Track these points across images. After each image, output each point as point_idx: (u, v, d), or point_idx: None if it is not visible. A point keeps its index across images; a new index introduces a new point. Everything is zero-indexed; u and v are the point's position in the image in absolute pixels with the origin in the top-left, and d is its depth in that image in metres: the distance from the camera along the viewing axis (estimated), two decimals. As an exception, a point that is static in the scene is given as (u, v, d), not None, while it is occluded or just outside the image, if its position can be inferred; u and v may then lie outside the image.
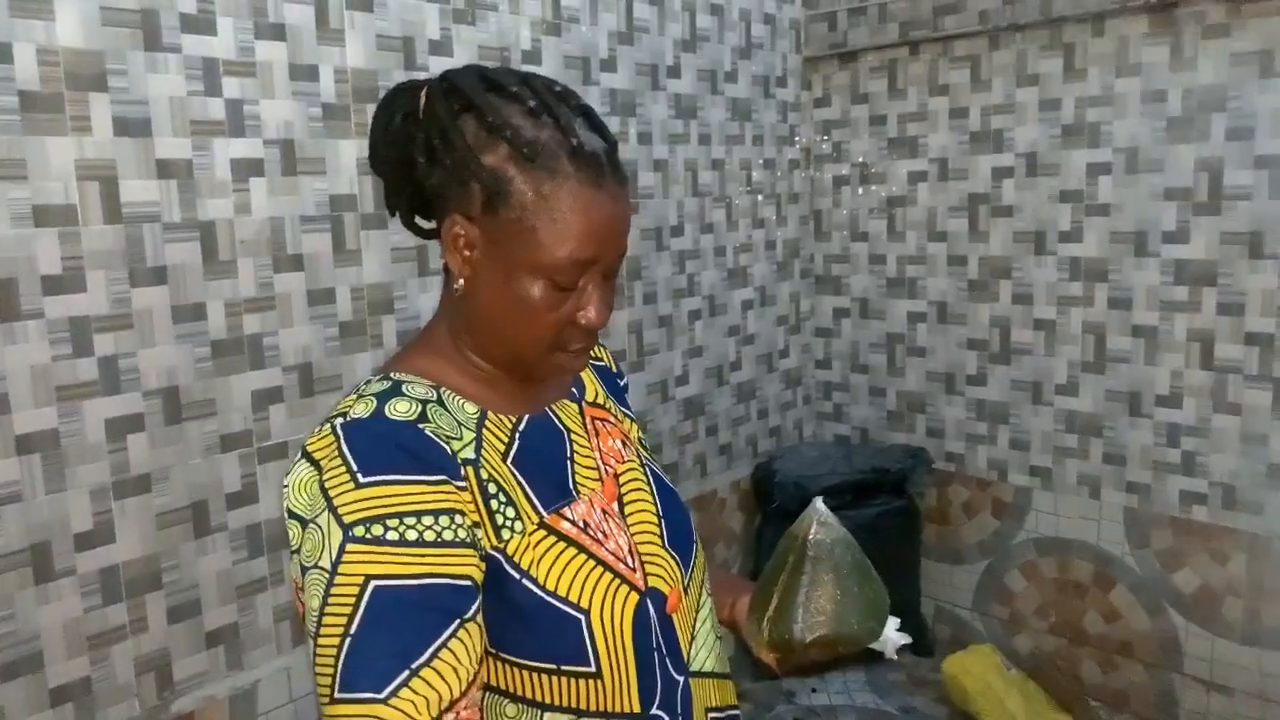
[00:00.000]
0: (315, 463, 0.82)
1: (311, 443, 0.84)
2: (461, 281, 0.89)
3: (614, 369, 1.17)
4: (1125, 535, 2.48)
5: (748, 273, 2.76)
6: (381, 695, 0.74)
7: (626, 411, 1.13)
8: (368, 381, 0.91)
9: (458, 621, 0.78)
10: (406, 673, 0.75)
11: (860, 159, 2.86)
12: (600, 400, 1.07)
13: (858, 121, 2.85)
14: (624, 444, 1.04)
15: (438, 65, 1.89)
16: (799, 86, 2.87)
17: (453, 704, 0.76)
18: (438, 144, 0.87)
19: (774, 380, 2.89)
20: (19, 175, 1.38)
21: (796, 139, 2.88)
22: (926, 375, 2.81)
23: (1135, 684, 2.51)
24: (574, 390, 1.05)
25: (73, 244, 1.44)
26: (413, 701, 0.74)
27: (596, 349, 1.14)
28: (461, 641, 0.78)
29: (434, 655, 0.76)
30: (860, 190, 2.88)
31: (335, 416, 0.85)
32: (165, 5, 1.52)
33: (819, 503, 0.95)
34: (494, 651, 0.86)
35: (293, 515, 0.83)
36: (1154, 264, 2.34)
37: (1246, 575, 2.29)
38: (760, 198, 2.77)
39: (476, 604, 0.81)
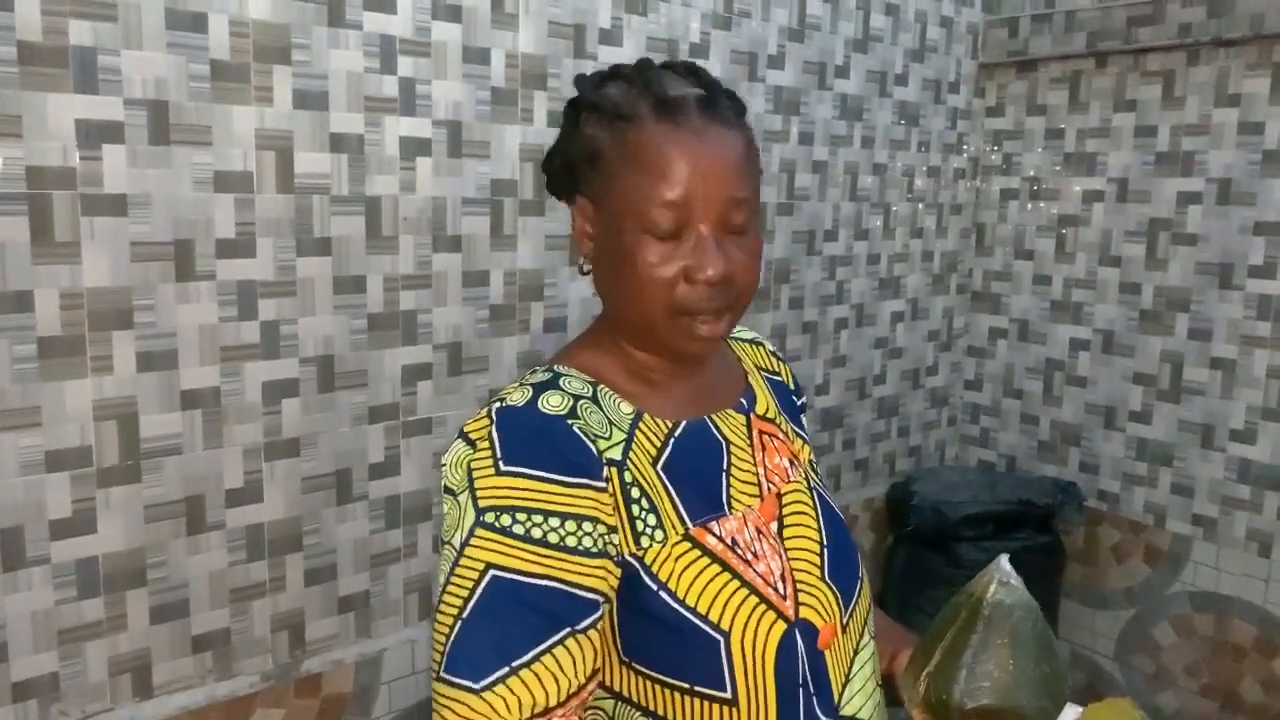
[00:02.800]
0: (471, 443, 0.83)
1: (470, 424, 0.85)
2: (584, 261, 0.92)
3: (792, 387, 1.11)
4: (1297, 600, 2.28)
5: (900, 283, 2.66)
6: (477, 686, 0.74)
7: (800, 432, 1.07)
8: (533, 371, 0.91)
9: (567, 630, 0.77)
10: (506, 669, 0.74)
11: (1032, 173, 2.72)
12: (771, 415, 1.02)
13: (1032, 134, 2.70)
14: (792, 463, 0.99)
15: (607, 54, 1.88)
16: (971, 93, 2.74)
17: (548, 711, 0.75)
18: (561, 141, 0.92)
19: (919, 398, 2.78)
20: (204, 141, 1.43)
21: (965, 148, 2.76)
22: (1085, 407, 2.65)
23: (1294, 761, 2.31)
24: (743, 401, 1.00)
25: (247, 210, 1.49)
26: (505, 700, 0.74)
27: (777, 365, 1.11)
28: (569, 651, 0.77)
29: (536, 658, 0.75)
30: (1029, 206, 2.74)
31: (495, 401, 0.86)
32: (351, -17, 1.55)
33: (1004, 560, 0.87)
34: (627, 660, 0.83)
35: (447, 490, 0.84)
36: (1359, 308, 2.13)
37: None
38: (921, 206, 2.67)
39: (594, 618, 0.79)
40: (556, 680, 0.75)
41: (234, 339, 1.51)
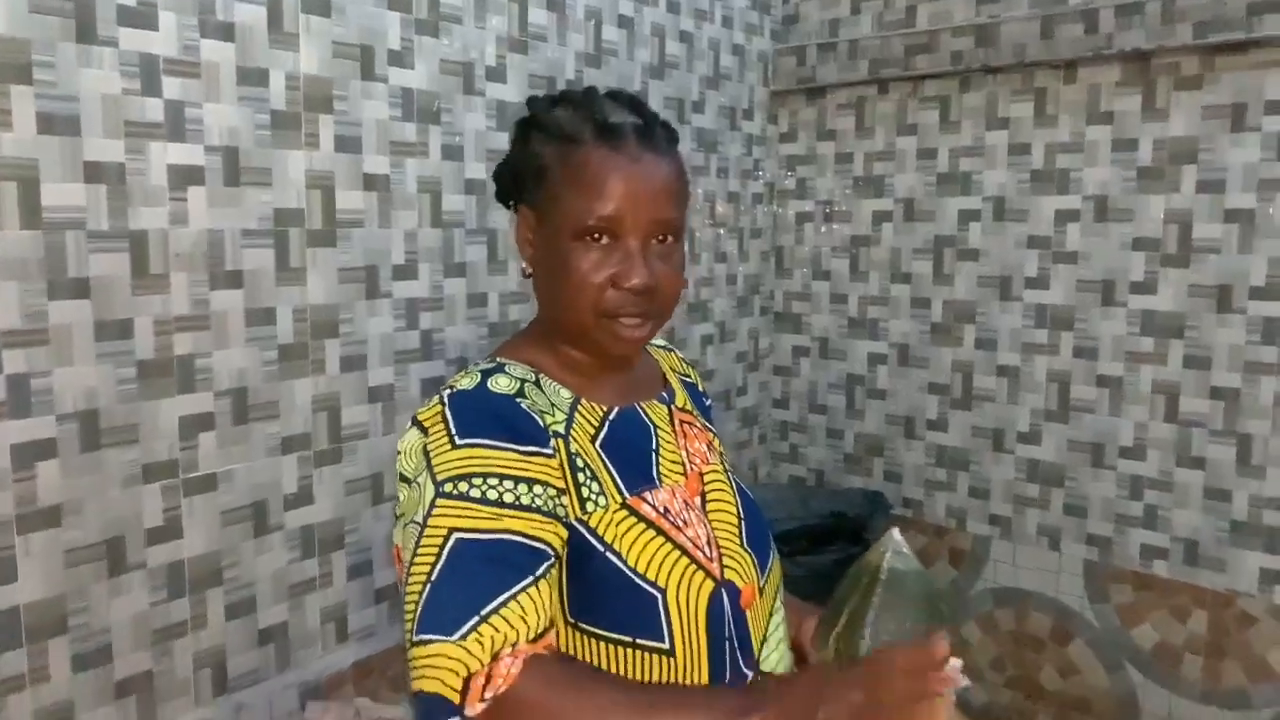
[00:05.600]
0: (423, 429, 0.91)
1: (422, 412, 0.93)
2: (525, 265, 1.02)
3: (701, 389, 1.23)
4: (1085, 588, 2.43)
5: (708, 307, 2.68)
6: (452, 638, 0.79)
7: (710, 427, 1.17)
8: (475, 364, 1.00)
9: (530, 578, 0.83)
10: (476, 619, 0.80)
11: (825, 196, 2.81)
12: (688, 408, 1.14)
13: (824, 158, 2.80)
14: (709, 448, 1.10)
15: (397, 77, 1.79)
16: (765, 120, 2.81)
17: (516, 646, 0.81)
18: (511, 155, 1.03)
19: (730, 419, 2.80)
20: (-74, 171, 1.25)
21: (761, 173, 2.82)
22: (886, 418, 2.75)
23: (1091, 741, 2.46)
24: (664, 394, 1.11)
25: (-16, 249, 1.31)
26: (480, 643, 0.79)
27: (687, 369, 1.23)
28: (531, 597, 0.83)
29: (503, 604, 0.81)
30: (824, 228, 2.83)
31: (445, 389, 0.94)
32: (102, -5, 1.39)
33: (896, 533, 0.98)
34: (574, 622, 0.91)
35: (402, 478, 0.92)
36: (1121, 314, 2.31)
37: (1207, 633, 2.26)
38: (723, 231, 2.70)
39: (548, 565, 0.86)
40: (524, 619, 0.81)
41: (-28, 397, 1.31)
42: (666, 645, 0.91)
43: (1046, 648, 2.51)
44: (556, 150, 0.97)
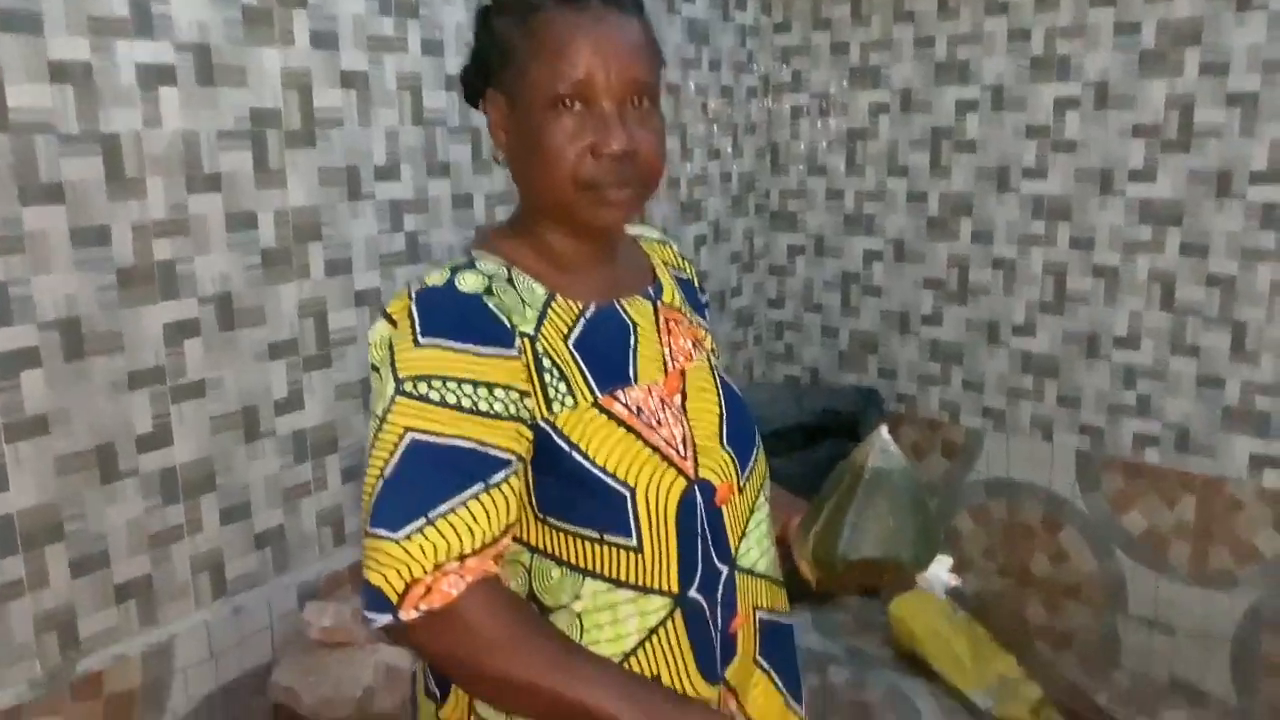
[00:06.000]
0: (391, 321, 0.90)
1: (391, 304, 0.91)
2: (498, 152, 0.98)
3: (697, 284, 1.18)
4: (1076, 478, 2.45)
5: (702, 206, 2.64)
6: (397, 536, 0.80)
7: (703, 323, 1.14)
8: (453, 260, 0.97)
9: (481, 485, 0.83)
10: (422, 520, 0.80)
11: (820, 89, 2.74)
12: (676, 304, 1.09)
13: (819, 49, 2.72)
14: (695, 345, 1.06)
15: (370, -33, 1.72)
16: (759, 10, 2.72)
17: (463, 557, 0.81)
18: (474, 46, 0.98)
19: (725, 319, 2.79)
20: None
21: (755, 66, 2.75)
22: (881, 315, 2.73)
23: (1080, 625, 2.51)
24: (650, 290, 1.06)
25: (-50, 155, 1.27)
26: (421, 547, 0.80)
27: (683, 263, 1.18)
28: (483, 505, 0.83)
29: (451, 510, 0.81)
30: (819, 122, 2.77)
31: (414, 283, 0.92)
32: (54, -118, 1.33)
33: (884, 431, 0.96)
34: (542, 516, 0.91)
35: (373, 367, 0.91)
36: (1119, 203, 2.27)
37: (1195, 518, 2.29)
38: (716, 127, 2.64)
39: (505, 474, 0.85)
40: (471, 530, 0.81)
41: (-50, 306, 1.30)
42: (634, 543, 0.91)
43: (1037, 536, 2.55)
44: (517, 23, 0.92)
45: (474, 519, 0.82)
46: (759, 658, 1.02)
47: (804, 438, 2.54)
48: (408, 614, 0.80)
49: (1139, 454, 2.35)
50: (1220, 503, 2.24)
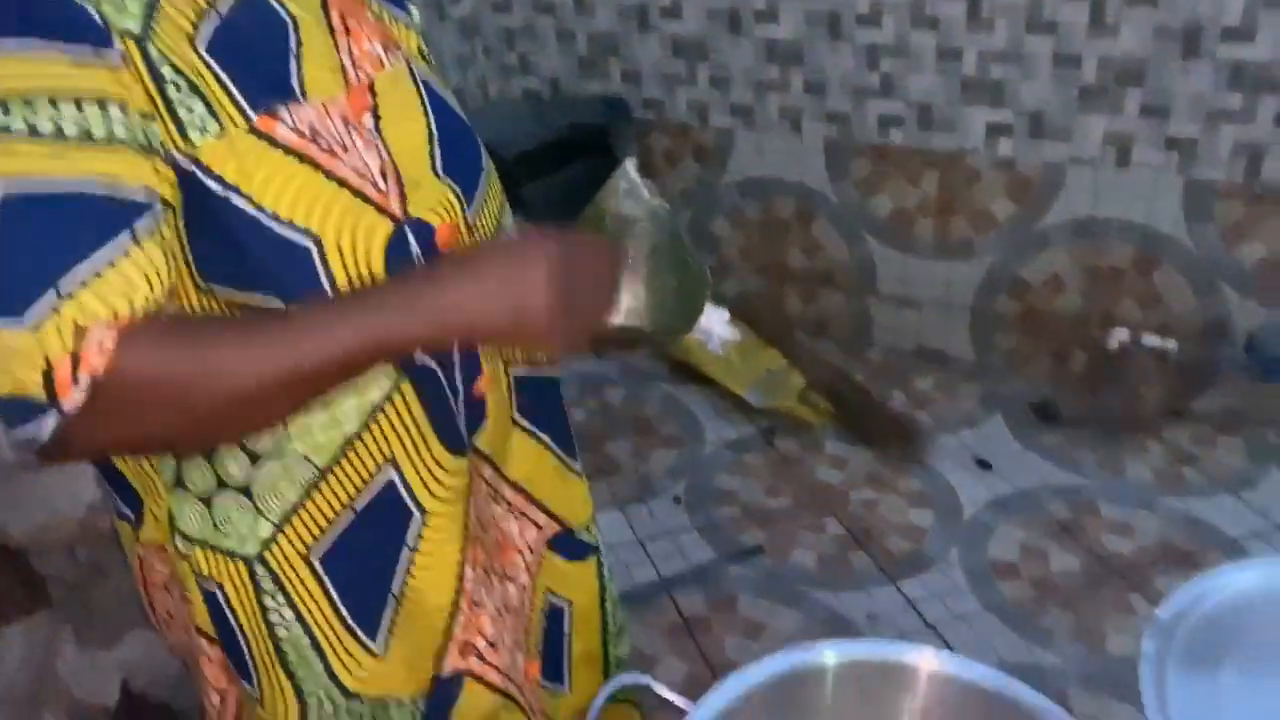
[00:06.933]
0: None
1: None
2: None
3: None
4: (826, 168, 2.44)
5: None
6: (23, 322, 0.58)
7: (401, 16, 0.88)
8: None
9: (125, 235, 0.61)
10: (53, 295, 0.59)
11: None
12: None
13: None
14: (386, 49, 0.81)
15: None
16: None
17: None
18: None
19: (447, 31, 2.47)
20: None
21: None
22: (619, 12, 2.50)
23: (835, 310, 2.60)
24: None
25: None
26: (58, 330, 0.59)
27: None
28: (132, 259, 0.62)
29: (91, 277, 0.60)
30: None
31: None
32: None
33: (629, 166, 0.80)
34: (207, 288, 0.70)
35: None
36: None
37: (937, 193, 2.34)
38: None
39: (150, 217, 0.63)
40: (128, 295, 0.61)
41: None
42: None
43: (792, 230, 2.56)
44: None
45: (124, 283, 0.61)
46: (517, 417, 0.90)
47: (553, 158, 2.35)
48: (70, 400, 0.59)
49: (885, 136, 2.34)
50: (959, 176, 2.29)
